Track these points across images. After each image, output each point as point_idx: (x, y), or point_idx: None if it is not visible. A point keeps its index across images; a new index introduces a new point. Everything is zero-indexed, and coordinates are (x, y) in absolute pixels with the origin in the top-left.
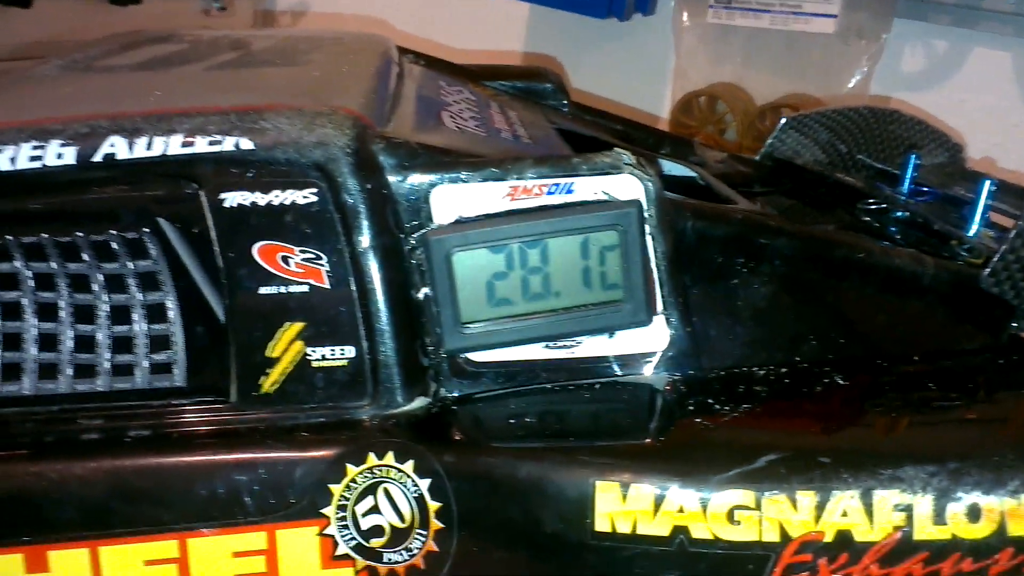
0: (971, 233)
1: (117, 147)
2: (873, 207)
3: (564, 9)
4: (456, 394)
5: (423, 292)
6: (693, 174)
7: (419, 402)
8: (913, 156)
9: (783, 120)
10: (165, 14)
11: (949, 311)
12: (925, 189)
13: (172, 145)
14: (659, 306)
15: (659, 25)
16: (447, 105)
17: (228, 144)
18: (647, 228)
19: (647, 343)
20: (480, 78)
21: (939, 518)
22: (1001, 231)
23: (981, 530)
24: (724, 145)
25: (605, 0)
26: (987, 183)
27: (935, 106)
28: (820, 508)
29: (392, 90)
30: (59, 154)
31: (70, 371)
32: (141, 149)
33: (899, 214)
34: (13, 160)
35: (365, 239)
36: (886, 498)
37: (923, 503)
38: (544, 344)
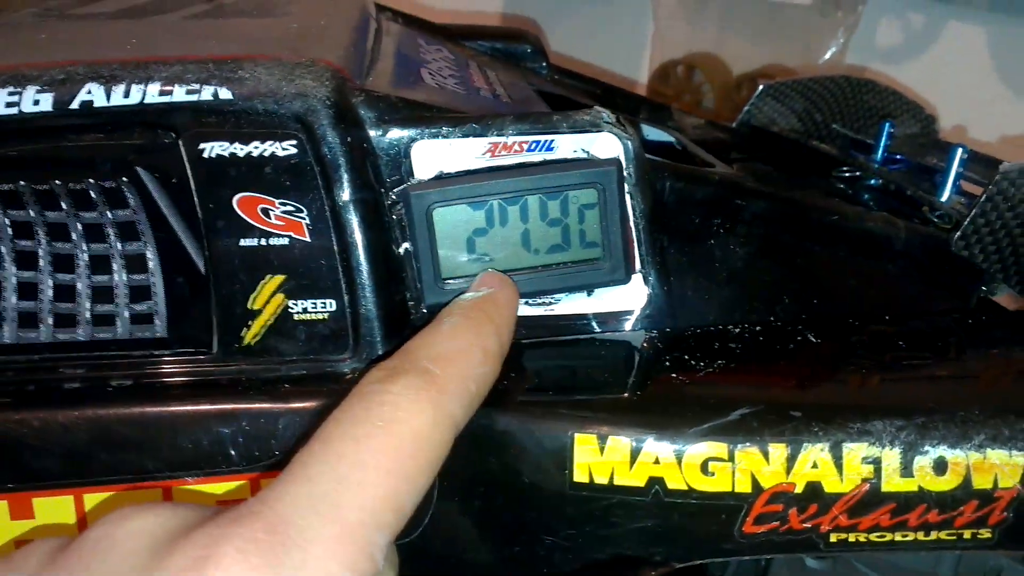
0: (943, 199)
1: (94, 94)
2: (847, 174)
3: None
4: None
5: (403, 247)
6: (671, 138)
7: None
8: (887, 124)
9: (760, 87)
10: None
11: (920, 274)
12: (898, 158)
13: (150, 93)
14: (637, 265)
15: None
16: (426, 63)
17: (206, 93)
18: (626, 187)
19: (625, 301)
20: (458, 38)
21: (906, 470)
22: (972, 198)
23: (947, 483)
24: (701, 114)
25: None
26: (959, 150)
27: (910, 79)
28: (791, 460)
29: (370, 45)
30: (35, 100)
31: (50, 320)
32: (118, 96)
33: (872, 181)
34: None
35: (345, 192)
36: (855, 451)
37: (891, 456)
38: (523, 301)
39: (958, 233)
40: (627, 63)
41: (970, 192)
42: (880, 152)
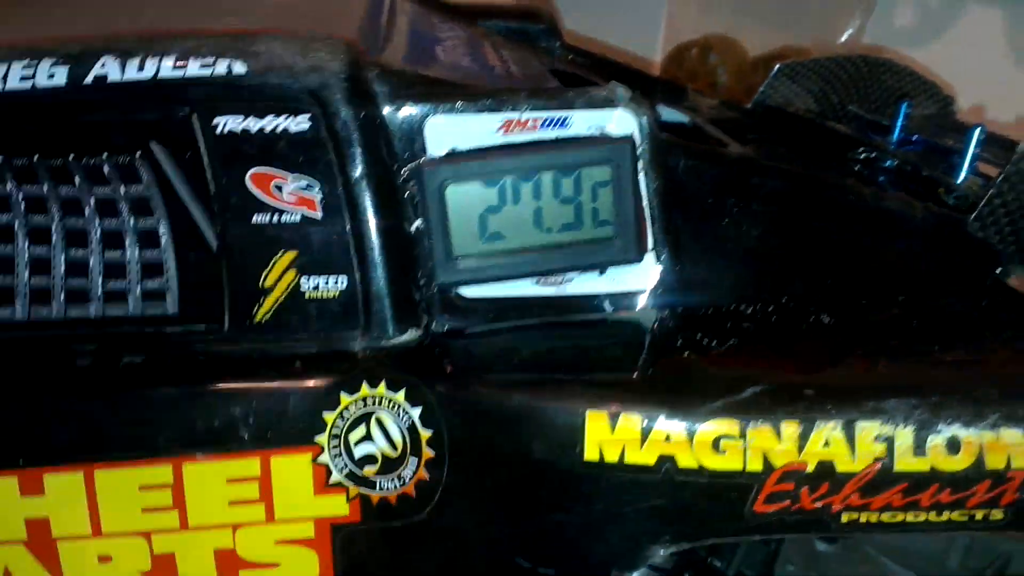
0: (959, 180)
1: (109, 68)
2: (863, 155)
3: None
4: (447, 328)
5: (415, 225)
6: (685, 119)
7: (411, 334)
8: (904, 105)
9: (776, 67)
10: None
11: (935, 254)
12: (914, 139)
13: (164, 67)
14: (650, 243)
15: None
16: (440, 40)
17: (221, 67)
18: (640, 164)
19: (637, 280)
20: (473, 18)
21: (919, 450)
22: (988, 180)
23: (960, 462)
24: (715, 95)
25: None
26: (977, 130)
27: (926, 61)
28: (803, 438)
29: (385, 22)
30: (50, 74)
31: (63, 296)
32: (133, 71)
33: (888, 163)
34: (4, 79)
35: (358, 168)
36: (868, 429)
37: (904, 435)
38: (535, 281)
39: (974, 214)
40: (640, 46)
41: (987, 173)
42: (896, 132)
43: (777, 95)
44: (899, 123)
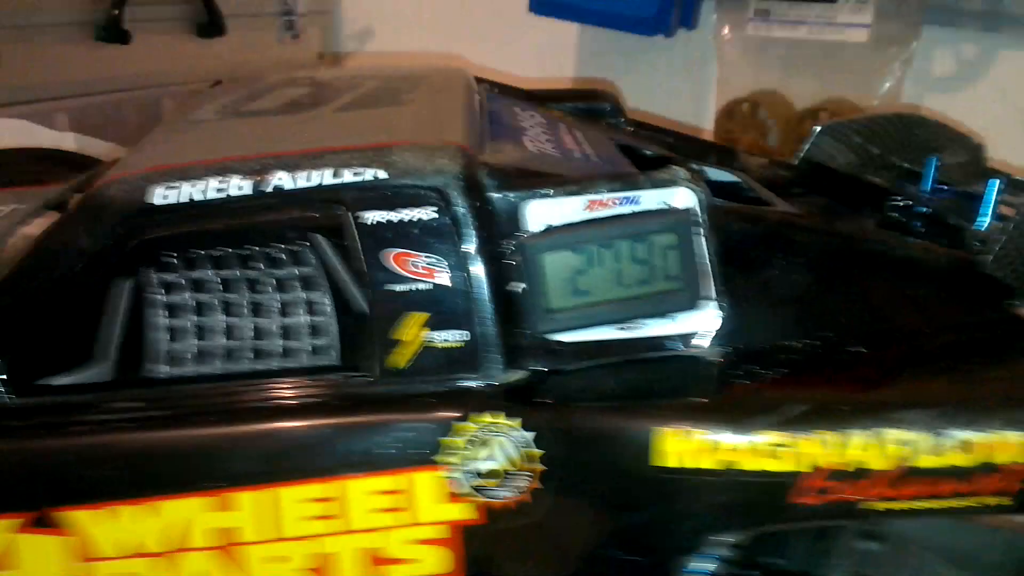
0: (984, 227)
1: (283, 180)
2: (899, 204)
3: (614, 28)
4: (545, 368)
5: (519, 287)
6: (737, 180)
7: (517, 375)
8: (934, 159)
9: (817, 128)
10: (244, 45)
11: (957, 292)
12: (945, 187)
13: (325, 177)
14: (711, 293)
15: (702, 38)
16: (525, 131)
17: (368, 175)
18: (700, 230)
19: (701, 324)
20: (546, 101)
21: (937, 450)
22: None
23: (972, 459)
24: (766, 149)
25: (652, 20)
26: (996, 183)
27: (964, 109)
28: (843, 445)
29: (480, 119)
30: (239, 187)
31: (250, 355)
32: (302, 181)
33: (922, 210)
34: (204, 192)
35: (473, 246)
36: (895, 436)
37: (924, 439)
38: (616, 327)
39: (991, 256)
40: (695, 104)
41: (1008, 216)
42: (929, 183)
43: (821, 152)
44: (931, 174)
